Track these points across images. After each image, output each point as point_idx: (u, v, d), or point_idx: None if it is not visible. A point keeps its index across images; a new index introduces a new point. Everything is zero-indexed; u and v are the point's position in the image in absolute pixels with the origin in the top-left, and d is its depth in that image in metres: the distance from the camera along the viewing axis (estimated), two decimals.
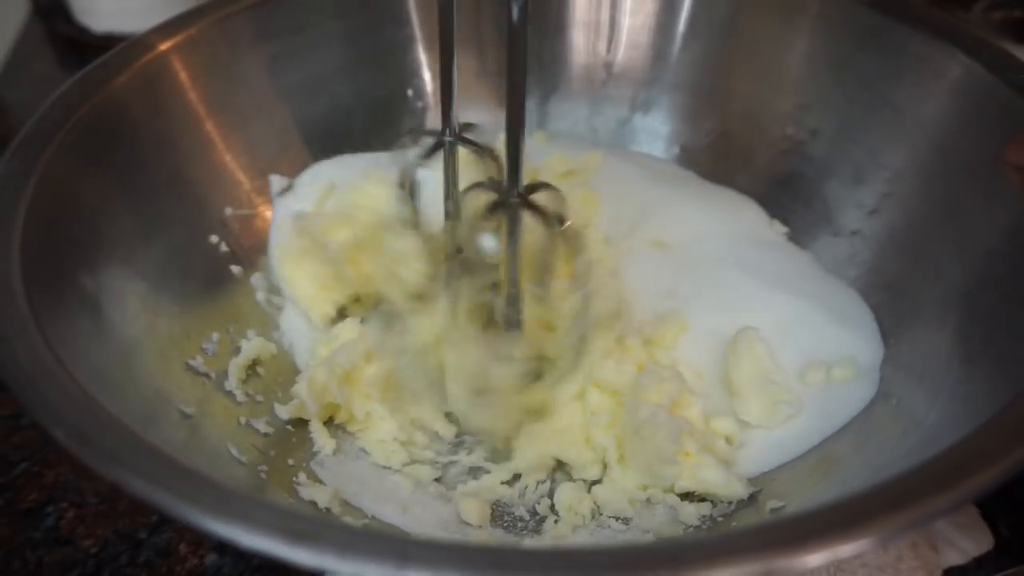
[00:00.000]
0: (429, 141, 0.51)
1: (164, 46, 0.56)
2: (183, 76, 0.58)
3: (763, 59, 0.65)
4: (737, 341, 0.55)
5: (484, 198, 0.44)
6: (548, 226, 0.44)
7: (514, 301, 0.48)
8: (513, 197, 0.43)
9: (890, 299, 0.55)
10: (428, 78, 0.69)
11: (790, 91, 0.63)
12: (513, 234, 0.45)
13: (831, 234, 0.61)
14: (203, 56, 0.59)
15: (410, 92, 0.70)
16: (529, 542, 0.46)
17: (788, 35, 0.63)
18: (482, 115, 0.71)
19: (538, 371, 0.51)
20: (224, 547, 0.50)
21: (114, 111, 0.53)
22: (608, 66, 0.71)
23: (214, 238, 0.59)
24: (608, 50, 0.70)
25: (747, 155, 0.67)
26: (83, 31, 0.93)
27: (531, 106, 0.72)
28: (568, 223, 0.45)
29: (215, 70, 0.60)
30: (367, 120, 0.68)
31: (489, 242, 0.46)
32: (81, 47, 0.92)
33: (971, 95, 0.53)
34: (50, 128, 0.49)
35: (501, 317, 0.49)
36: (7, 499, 0.53)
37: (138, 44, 0.56)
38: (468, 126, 0.51)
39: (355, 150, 0.67)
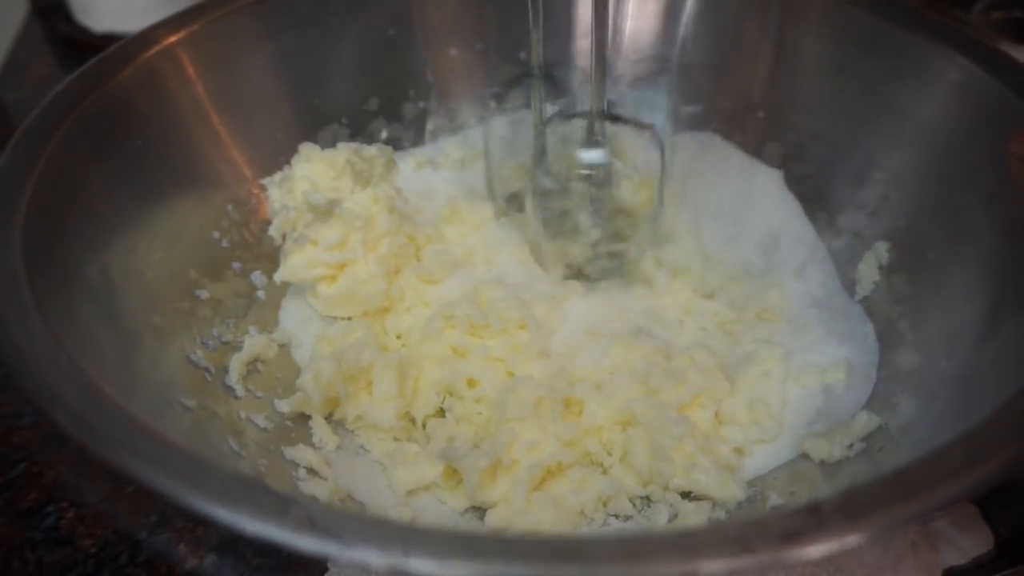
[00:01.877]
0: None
1: (167, 42, 0.57)
2: (186, 72, 0.58)
3: (765, 63, 0.65)
4: (758, 354, 0.55)
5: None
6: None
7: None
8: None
9: (890, 300, 0.55)
10: (430, 77, 0.69)
11: (792, 95, 0.64)
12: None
13: (832, 236, 0.61)
14: (206, 53, 0.59)
15: (412, 92, 0.70)
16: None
17: (790, 40, 0.63)
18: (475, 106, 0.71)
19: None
20: (224, 547, 0.50)
21: (117, 105, 0.53)
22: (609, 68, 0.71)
23: (215, 234, 0.59)
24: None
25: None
26: (83, 31, 0.93)
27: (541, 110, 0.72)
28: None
29: (218, 67, 0.60)
30: (369, 118, 0.68)
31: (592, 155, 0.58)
32: (81, 47, 0.91)
33: (970, 97, 0.53)
34: (54, 119, 0.49)
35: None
36: (7, 499, 0.53)
37: (141, 39, 0.56)
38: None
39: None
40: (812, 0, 0.61)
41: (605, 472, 0.51)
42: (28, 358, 0.37)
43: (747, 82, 0.66)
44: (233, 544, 0.50)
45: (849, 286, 0.59)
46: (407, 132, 0.70)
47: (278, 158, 0.63)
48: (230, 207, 0.60)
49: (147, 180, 0.54)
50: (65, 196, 0.48)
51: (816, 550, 0.28)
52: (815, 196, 0.62)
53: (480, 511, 0.49)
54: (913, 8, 0.58)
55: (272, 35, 0.63)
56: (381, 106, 0.68)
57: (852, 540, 0.28)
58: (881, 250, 0.57)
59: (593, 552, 0.27)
